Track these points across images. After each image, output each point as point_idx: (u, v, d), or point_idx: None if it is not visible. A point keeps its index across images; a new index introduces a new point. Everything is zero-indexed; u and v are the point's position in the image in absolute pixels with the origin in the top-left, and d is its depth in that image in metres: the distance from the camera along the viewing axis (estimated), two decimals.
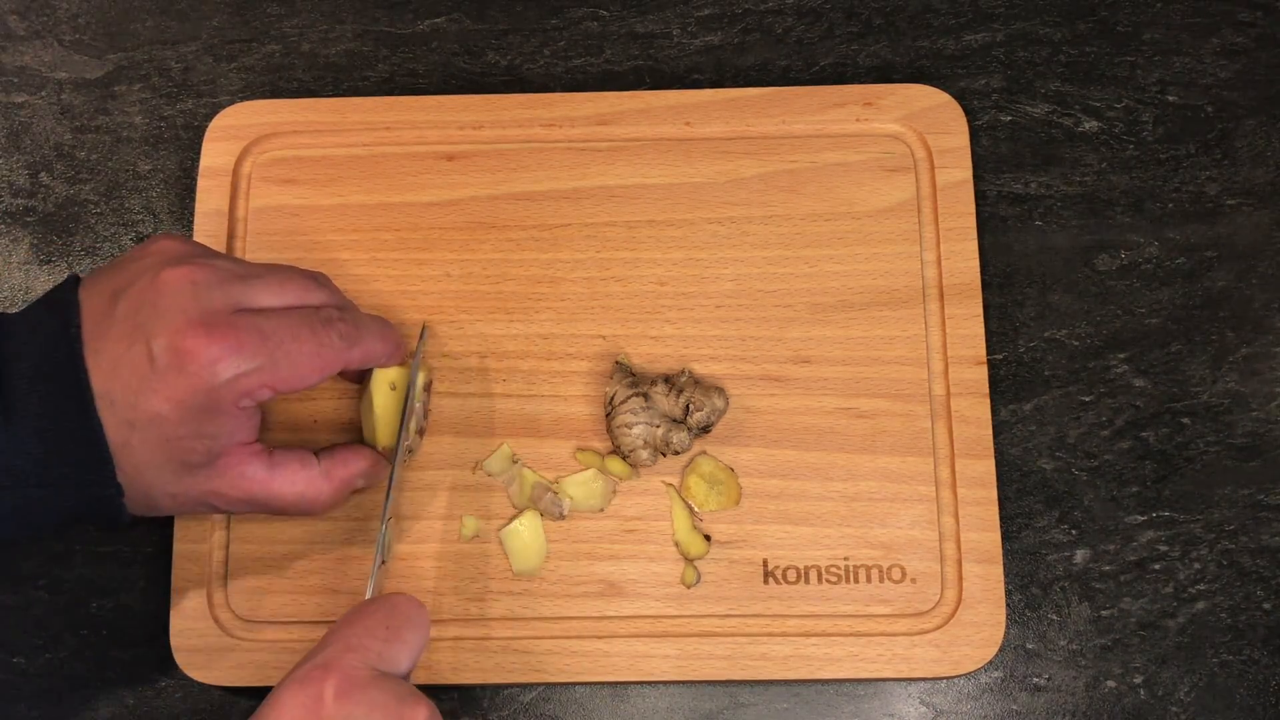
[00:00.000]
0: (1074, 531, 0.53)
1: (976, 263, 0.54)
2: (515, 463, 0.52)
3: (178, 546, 0.52)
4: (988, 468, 0.52)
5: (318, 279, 0.48)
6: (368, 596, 0.47)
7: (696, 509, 0.52)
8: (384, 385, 0.49)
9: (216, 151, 0.56)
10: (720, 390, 0.51)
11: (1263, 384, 0.55)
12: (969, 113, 0.57)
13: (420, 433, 0.52)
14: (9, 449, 0.41)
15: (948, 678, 0.51)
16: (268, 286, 0.45)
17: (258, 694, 0.51)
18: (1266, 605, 0.52)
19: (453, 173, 0.56)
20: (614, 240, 0.55)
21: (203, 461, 0.44)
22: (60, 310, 0.43)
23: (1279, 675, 0.52)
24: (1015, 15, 0.60)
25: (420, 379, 0.50)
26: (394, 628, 0.43)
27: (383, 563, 0.49)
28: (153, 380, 0.41)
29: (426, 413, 0.52)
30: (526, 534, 0.51)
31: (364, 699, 0.40)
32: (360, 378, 0.51)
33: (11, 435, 0.41)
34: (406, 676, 0.44)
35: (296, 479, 0.47)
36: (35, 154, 0.59)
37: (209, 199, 0.56)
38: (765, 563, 0.51)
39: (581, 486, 0.52)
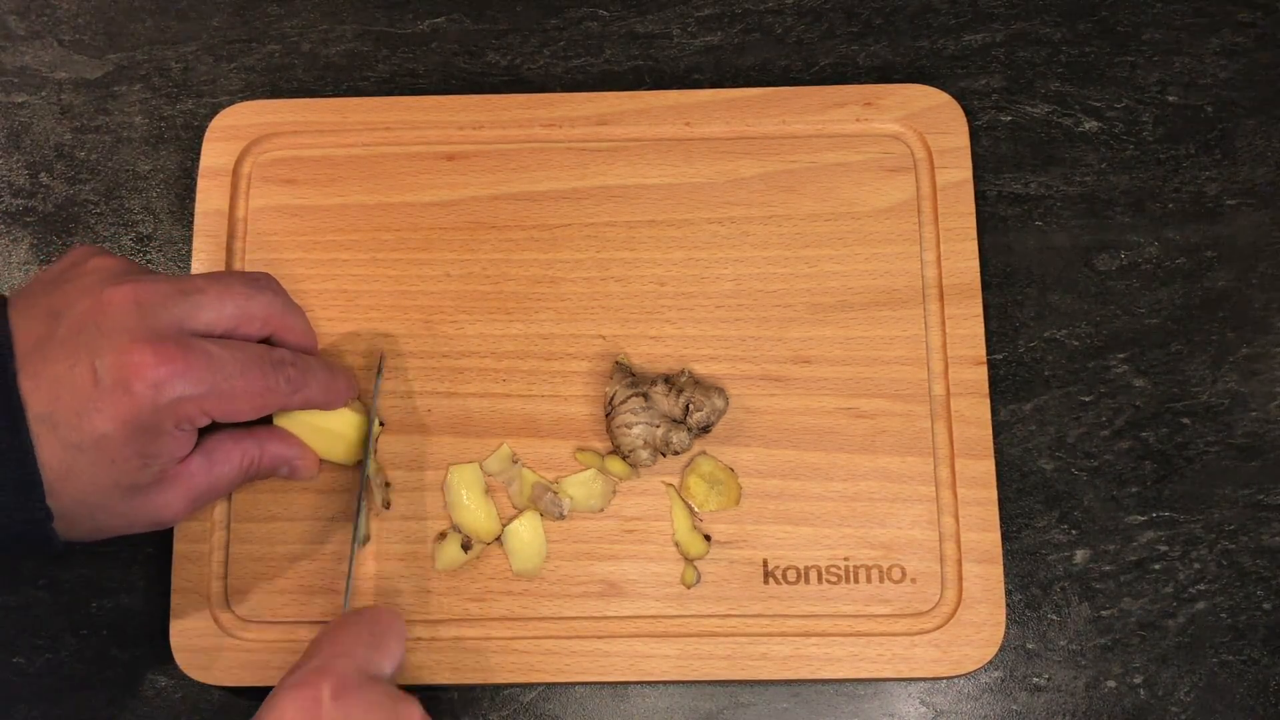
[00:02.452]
0: (1074, 531, 0.53)
1: (976, 263, 0.54)
2: (515, 463, 0.52)
3: (178, 546, 0.52)
4: (988, 468, 0.52)
5: (260, 282, 0.47)
6: (345, 610, 0.48)
7: (696, 509, 0.52)
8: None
9: (216, 151, 0.56)
10: (720, 390, 0.51)
11: (1263, 384, 0.55)
12: (969, 113, 0.57)
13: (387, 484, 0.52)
14: None
15: (948, 678, 0.51)
16: (210, 298, 0.45)
17: (258, 694, 0.51)
18: (1266, 605, 0.52)
19: (453, 173, 0.56)
20: (614, 240, 0.55)
21: (151, 480, 0.44)
22: None
23: (1279, 675, 0.52)
24: (1015, 15, 0.60)
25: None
26: (378, 634, 0.45)
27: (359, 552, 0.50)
28: (97, 399, 0.41)
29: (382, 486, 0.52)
30: (526, 534, 0.51)
31: (360, 699, 0.42)
32: None
33: None
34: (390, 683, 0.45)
35: (232, 454, 0.47)
36: (35, 154, 0.59)
37: (209, 199, 0.56)
38: (765, 563, 0.51)
39: (581, 486, 0.52)
